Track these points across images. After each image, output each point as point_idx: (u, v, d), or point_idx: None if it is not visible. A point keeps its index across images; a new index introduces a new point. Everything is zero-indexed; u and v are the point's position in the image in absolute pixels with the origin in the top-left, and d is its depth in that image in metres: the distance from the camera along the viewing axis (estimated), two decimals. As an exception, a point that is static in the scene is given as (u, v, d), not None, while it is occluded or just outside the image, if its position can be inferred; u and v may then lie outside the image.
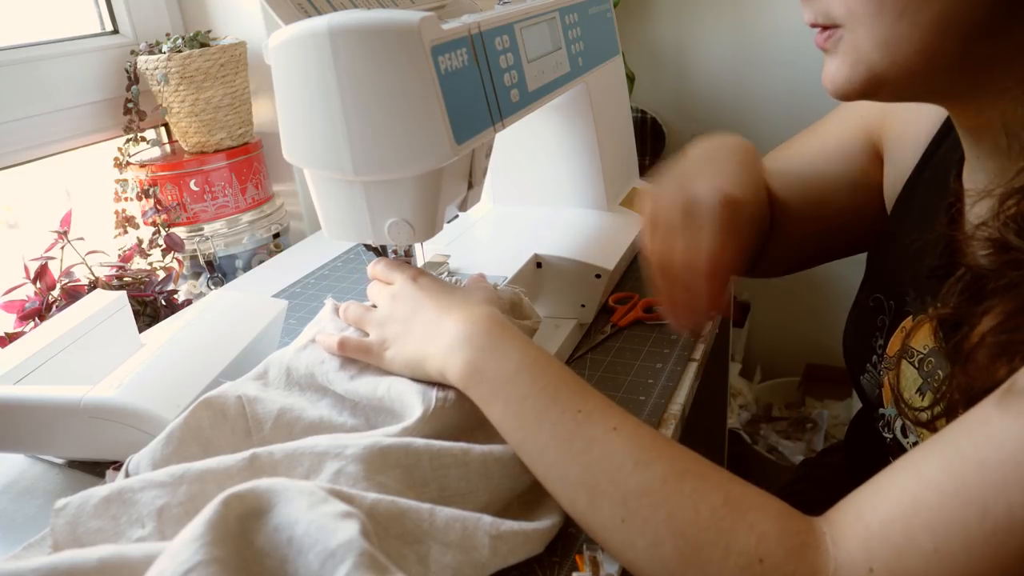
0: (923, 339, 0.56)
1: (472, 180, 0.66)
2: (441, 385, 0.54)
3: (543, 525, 0.49)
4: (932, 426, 0.51)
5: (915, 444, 0.58)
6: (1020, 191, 0.43)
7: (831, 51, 0.48)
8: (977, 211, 0.51)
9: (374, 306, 0.61)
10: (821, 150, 0.72)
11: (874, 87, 0.47)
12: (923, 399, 0.55)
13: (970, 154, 0.53)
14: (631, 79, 1.70)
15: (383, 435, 0.51)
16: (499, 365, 0.50)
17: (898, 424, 0.59)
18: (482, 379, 0.50)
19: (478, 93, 0.59)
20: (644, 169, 1.05)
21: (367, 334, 0.59)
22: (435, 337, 0.53)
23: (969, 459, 0.37)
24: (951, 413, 0.46)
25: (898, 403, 0.58)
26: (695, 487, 0.44)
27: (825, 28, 0.48)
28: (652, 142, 1.79)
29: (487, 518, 0.46)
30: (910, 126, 0.65)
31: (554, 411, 0.48)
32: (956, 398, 0.44)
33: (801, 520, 0.43)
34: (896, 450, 0.60)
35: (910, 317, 0.58)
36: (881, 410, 0.62)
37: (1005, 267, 0.43)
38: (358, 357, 0.58)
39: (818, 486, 0.75)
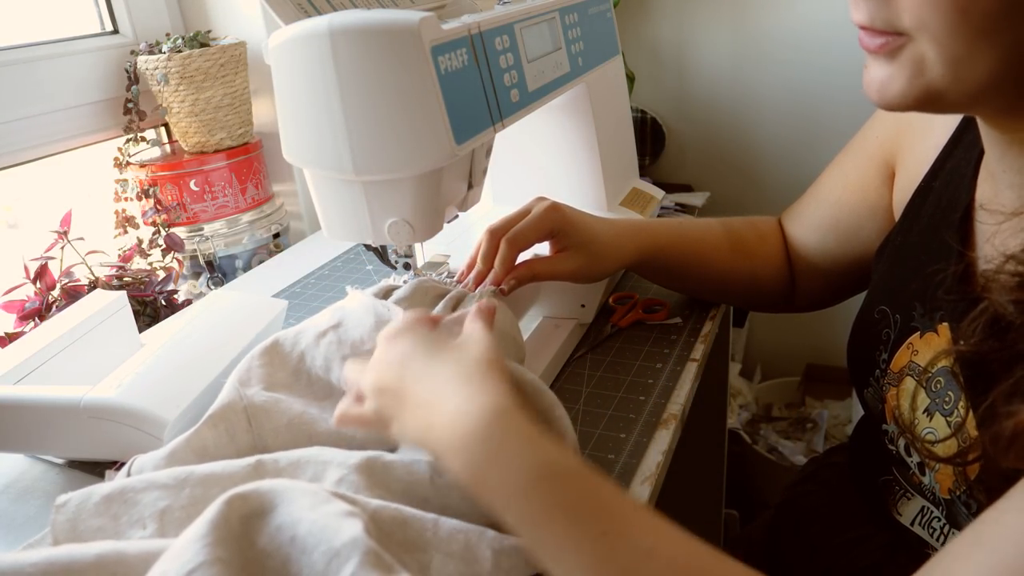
0: (931, 357, 0.55)
1: (472, 180, 0.66)
2: None
3: None
4: (957, 460, 0.50)
5: (919, 464, 0.57)
6: None
7: (883, 58, 0.45)
8: (1002, 237, 0.50)
9: None
10: (844, 187, 0.72)
11: (927, 102, 0.44)
12: (930, 419, 0.54)
13: (992, 161, 0.52)
14: (631, 79, 1.70)
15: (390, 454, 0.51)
16: (504, 478, 0.41)
17: (902, 441, 0.59)
18: (487, 490, 0.42)
19: (478, 93, 0.59)
20: (644, 169, 1.05)
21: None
22: (431, 427, 0.44)
23: (1015, 569, 0.35)
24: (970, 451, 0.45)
25: (904, 432, 0.57)
26: None
27: (881, 33, 0.45)
28: (652, 142, 1.79)
29: (491, 532, 0.46)
30: (923, 135, 0.64)
31: (574, 535, 0.39)
32: (986, 456, 0.43)
33: None
34: (900, 464, 0.60)
35: (917, 333, 0.57)
36: (884, 426, 0.61)
37: None
38: (360, 428, 0.53)
39: (824, 487, 0.75)
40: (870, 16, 0.44)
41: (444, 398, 0.44)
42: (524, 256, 0.68)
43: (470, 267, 0.68)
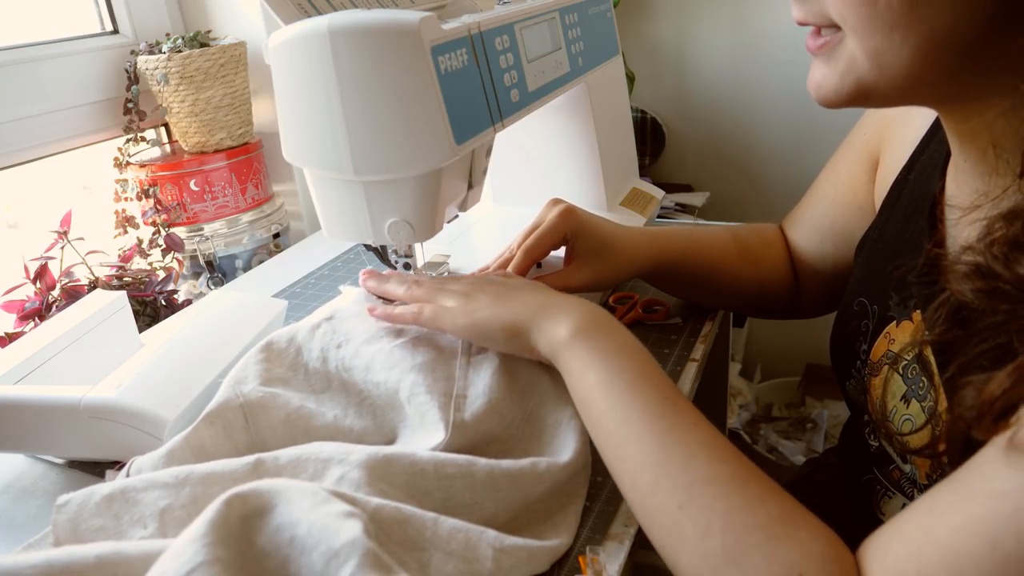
0: (905, 345, 0.56)
1: (472, 180, 0.66)
2: (458, 401, 0.55)
3: (550, 544, 0.48)
4: (927, 452, 0.51)
5: (900, 452, 0.58)
6: (1007, 216, 0.43)
7: (822, 57, 0.47)
8: (962, 229, 0.51)
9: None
10: (837, 188, 0.73)
11: (861, 97, 0.46)
12: (907, 406, 0.55)
13: (957, 154, 0.53)
14: (631, 79, 1.70)
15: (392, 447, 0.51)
16: (607, 339, 0.53)
17: (883, 432, 0.59)
18: (589, 345, 0.53)
19: (478, 93, 0.59)
20: (644, 169, 1.05)
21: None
22: (544, 307, 0.56)
23: (978, 493, 0.38)
24: (950, 451, 0.47)
25: (882, 425, 0.57)
26: (757, 492, 0.44)
27: (819, 31, 0.47)
28: (652, 142, 1.79)
29: (491, 531, 0.46)
30: (901, 130, 0.65)
31: (646, 390, 0.50)
32: (956, 433, 0.44)
33: (845, 550, 0.43)
34: (881, 459, 0.60)
35: (894, 323, 0.58)
36: (866, 416, 0.61)
37: (991, 298, 0.42)
38: (432, 324, 0.58)
39: (819, 489, 0.75)
40: (804, 12, 0.47)
41: (556, 294, 0.58)
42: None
43: (481, 270, 0.71)
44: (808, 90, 0.49)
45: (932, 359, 0.52)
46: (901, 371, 0.56)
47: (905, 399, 0.55)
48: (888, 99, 0.47)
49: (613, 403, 0.50)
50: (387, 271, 0.68)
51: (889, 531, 0.42)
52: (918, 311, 0.55)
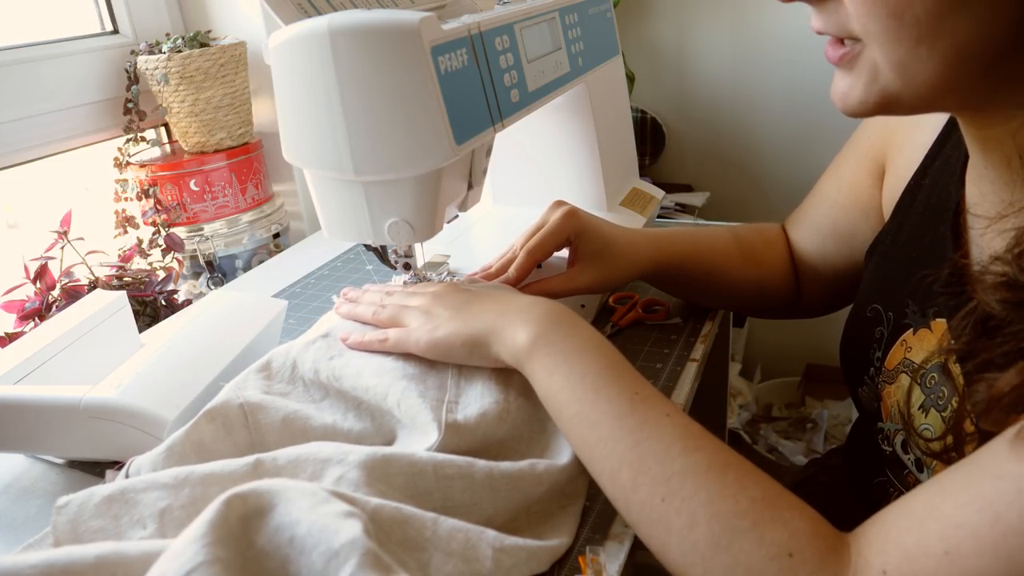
0: (924, 354, 0.55)
1: (472, 180, 0.66)
2: (450, 406, 0.55)
3: (550, 544, 0.48)
4: (945, 458, 0.51)
5: (915, 461, 0.58)
6: None
7: (844, 68, 0.47)
8: (989, 238, 0.51)
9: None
10: (839, 190, 0.73)
11: (887, 107, 0.46)
12: (926, 416, 0.55)
13: (976, 159, 0.53)
14: (631, 79, 1.70)
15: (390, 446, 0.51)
16: (568, 340, 0.53)
17: (898, 439, 0.59)
18: (550, 350, 0.52)
19: (478, 93, 0.59)
20: (644, 169, 1.05)
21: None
22: (502, 315, 0.56)
23: (986, 474, 0.38)
24: (966, 444, 0.47)
25: (908, 430, 0.57)
26: (737, 478, 0.45)
27: (840, 42, 0.47)
28: (652, 142, 1.79)
29: (491, 531, 0.46)
30: (911, 133, 0.64)
31: (613, 388, 0.50)
32: (972, 432, 0.45)
33: (830, 528, 0.44)
34: (895, 464, 0.60)
35: (911, 330, 0.57)
36: (880, 424, 0.61)
37: (1018, 310, 0.43)
38: (399, 349, 0.58)
39: (822, 490, 0.75)
40: (825, 23, 0.47)
41: (516, 299, 0.58)
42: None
43: (483, 269, 0.71)
44: (832, 100, 0.48)
45: (956, 368, 0.52)
46: (919, 380, 0.55)
47: (923, 408, 0.55)
48: (913, 108, 0.47)
49: (581, 406, 0.50)
50: (365, 285, 0.68)
51: (895, 508, 0.42)
52: (939, 319, 0.54)
